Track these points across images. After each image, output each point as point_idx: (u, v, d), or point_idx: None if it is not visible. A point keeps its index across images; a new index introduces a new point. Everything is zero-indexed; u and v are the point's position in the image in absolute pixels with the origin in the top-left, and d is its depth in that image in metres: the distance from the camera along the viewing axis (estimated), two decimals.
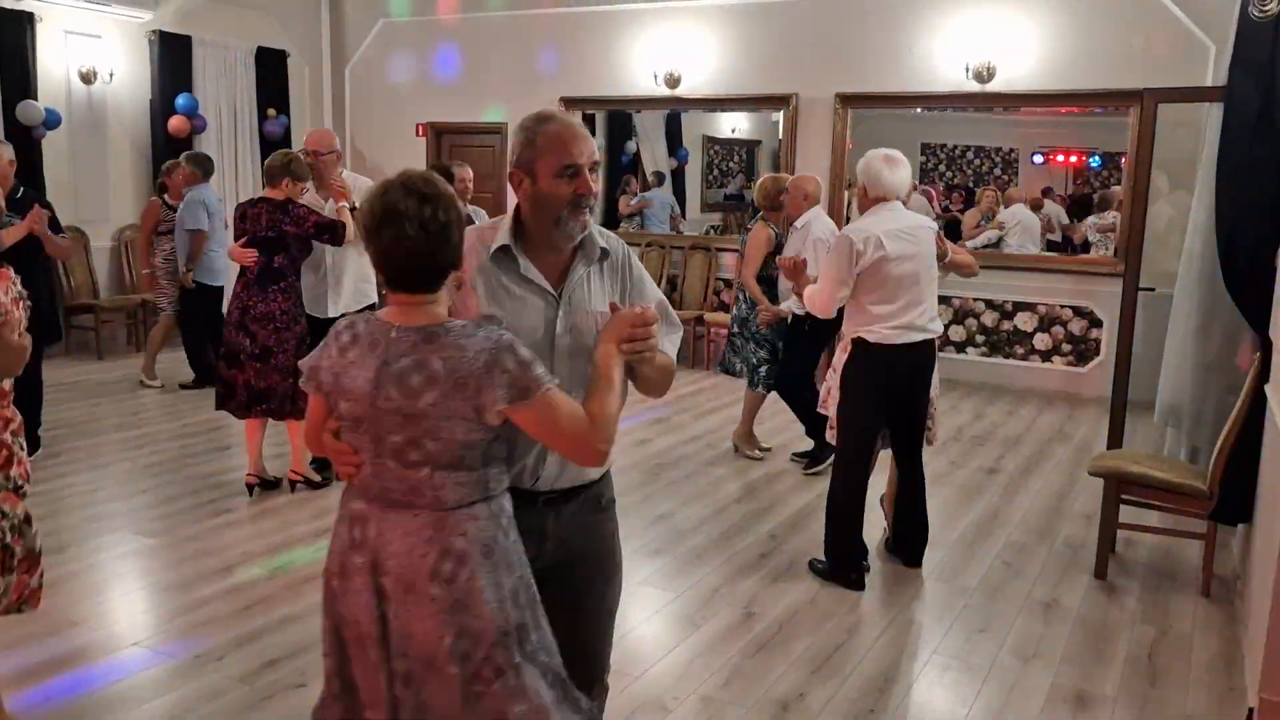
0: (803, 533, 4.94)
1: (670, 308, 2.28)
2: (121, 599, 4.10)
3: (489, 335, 1.89)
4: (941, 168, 13.20)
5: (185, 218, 7.39)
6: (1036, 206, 10.82)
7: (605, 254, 2.18)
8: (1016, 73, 8.11)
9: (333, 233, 5.16)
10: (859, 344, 4.20)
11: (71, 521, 4.85)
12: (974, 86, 8.23)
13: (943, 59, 8.32)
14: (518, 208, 2.11)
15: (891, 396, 4.26)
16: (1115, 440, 5.39)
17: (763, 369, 6.13)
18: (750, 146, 13.85)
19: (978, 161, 13.18)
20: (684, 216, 12.87)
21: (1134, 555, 4.76)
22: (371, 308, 5.37)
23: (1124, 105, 7.95)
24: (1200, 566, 4.41)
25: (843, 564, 4.34)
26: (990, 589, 4.34)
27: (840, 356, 4.32)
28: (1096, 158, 12.14)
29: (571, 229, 2.08)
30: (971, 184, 12.93)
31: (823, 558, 4.43)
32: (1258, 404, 4.05)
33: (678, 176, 13.05)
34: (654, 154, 12.76)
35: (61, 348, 8.54)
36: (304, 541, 4.69)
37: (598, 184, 2.09)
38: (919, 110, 10.08)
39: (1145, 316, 5.50)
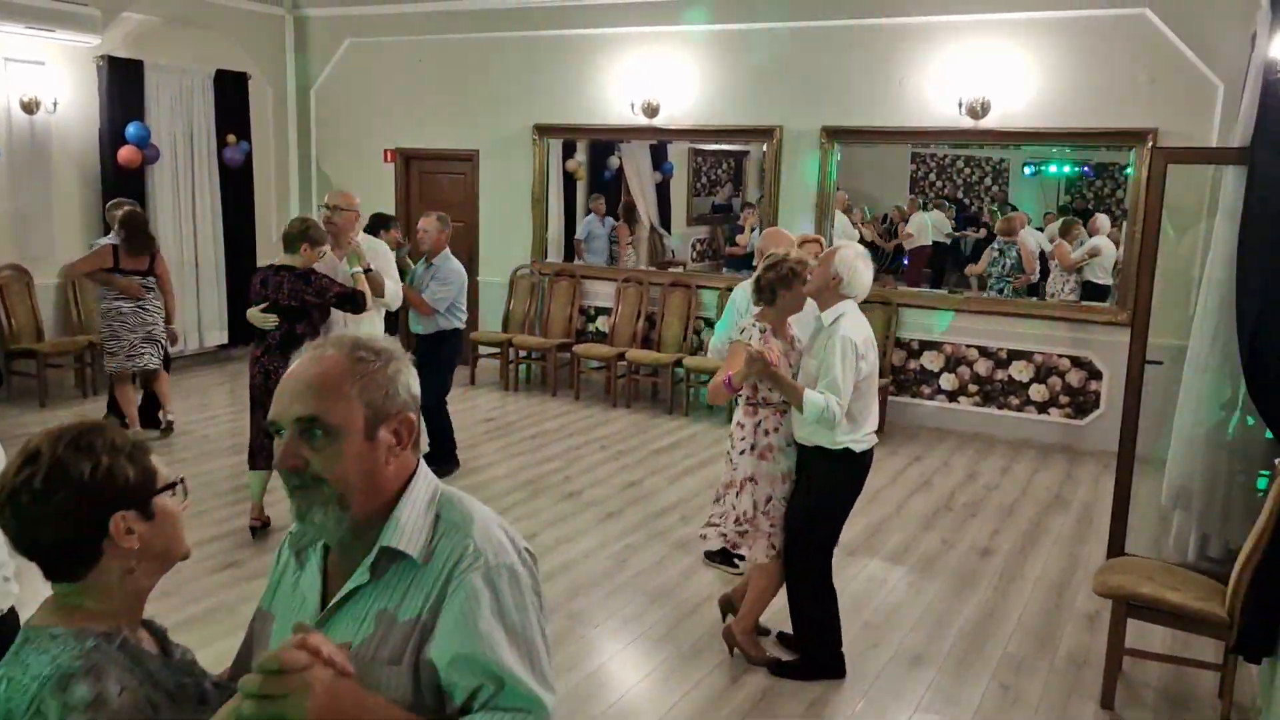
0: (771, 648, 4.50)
1: (524, 680, 1.46)
2: None
3: (60, 659, 1.38)
4: (931, 176, 12.87)
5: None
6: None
7: (397, 555, 1.48)
8: (1012, 108, 7.63)
9: (354, 302, 5.15)
10: (847, 455, 3.98)
11: None
12: (967, 122, 7.75)
13: (934, 93, 7.84)
14: None
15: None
16: (1116, 545, 4.92)
17: None
18: (738, 156, 13.39)
19: (968, 171, 12.84)
20: (669, 231, 12.43)
21: (1143, 675, 4.32)
22: None
23: (1127, 144, 7.50)
24: (1216, 691, 4.00)
25: (830, 663, 4.23)
26: None
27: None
28: (1089, 169, 11.81)
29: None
30: (961, 194, 12.62)
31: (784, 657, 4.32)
32: None
33: (663, 190, 12.58)
34: (638, 168, 12.28)
35: (2, 395, 8.06)
36: None
37: (338, 460, 1.45)
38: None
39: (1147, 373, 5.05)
